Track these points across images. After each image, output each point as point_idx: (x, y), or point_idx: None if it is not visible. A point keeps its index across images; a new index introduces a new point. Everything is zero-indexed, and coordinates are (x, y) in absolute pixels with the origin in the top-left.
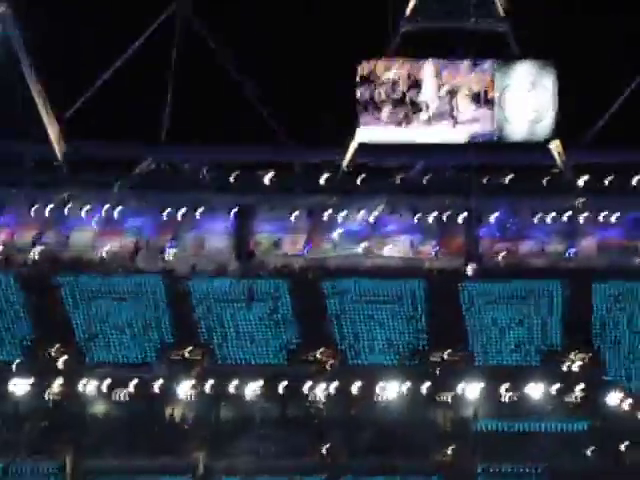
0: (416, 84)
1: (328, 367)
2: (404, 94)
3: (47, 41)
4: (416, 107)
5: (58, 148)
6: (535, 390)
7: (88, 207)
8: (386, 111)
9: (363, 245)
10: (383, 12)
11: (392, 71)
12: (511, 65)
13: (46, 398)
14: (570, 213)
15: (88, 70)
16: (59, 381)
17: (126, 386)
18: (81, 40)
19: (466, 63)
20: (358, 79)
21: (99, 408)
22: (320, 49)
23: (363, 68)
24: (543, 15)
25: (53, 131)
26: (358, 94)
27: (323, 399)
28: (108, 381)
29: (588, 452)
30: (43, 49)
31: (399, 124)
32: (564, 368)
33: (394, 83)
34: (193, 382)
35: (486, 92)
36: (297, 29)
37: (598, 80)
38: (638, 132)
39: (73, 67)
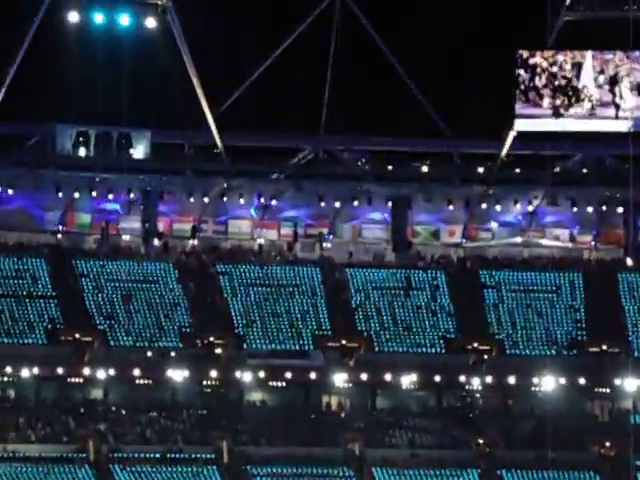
0: (578, 73)
1: (485, 357)
2: (566, 83)
3: (207, 32)
4: (577, 96)
5: (218, 138)
6: None
7: (246, 196)
8: (547, 99)
9: (521, 236)
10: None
11: (553, 60)
12: None
13: (204, 385)
14: None
15: (248, 60)
16: (217, 369)
17: (283, 374)
18: (240, 30)
19: (628, 53)
20: (519, 67)
21: (256, 396)
22: (480, 38)
23: (524, 56)
24: None
25: (212, 122)
26: (519, 82)
27: (480, 390)
28: (265, 369)
29: None
30: (203, 39)
31: (559, 114)
32: None
33: (554, 73)
34: (350, 371)
35: None
36: (458, 18)
37: None
38: None
39: (232, 57)
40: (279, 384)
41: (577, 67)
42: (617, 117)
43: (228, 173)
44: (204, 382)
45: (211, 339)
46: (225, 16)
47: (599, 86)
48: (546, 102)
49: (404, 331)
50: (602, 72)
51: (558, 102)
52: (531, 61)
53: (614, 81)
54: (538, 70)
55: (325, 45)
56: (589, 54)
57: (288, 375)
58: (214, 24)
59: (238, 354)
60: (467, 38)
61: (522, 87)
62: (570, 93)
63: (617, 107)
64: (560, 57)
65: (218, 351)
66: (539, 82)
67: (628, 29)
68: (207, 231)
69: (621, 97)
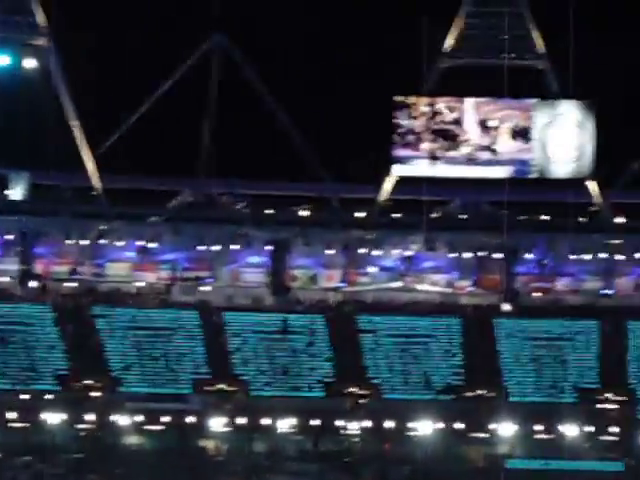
0: (456, 119)
1: (362, 402)
2: (444, 128)
3: (87, 74)
4: (455, 141)
5: (96, 181)
6: (570, 429)
7: (125, 239)
8: (426, 143)
9: (399, 280)
10: (421, 49)
11: (431, 105)
12: (552, 103)
13: (80, 429)
14: (607, 252)
15: (128, 103)
16: (93, 412)
17: (160, 418)
18: (120, 73)
19: (507, 100)
20: (397, 112)
21: (133, 440)
22: (358, 87)
23: (402, 102)
24: (579, 54)
25: (91, 164)
26: (397, 127)
27: (357, 434)
28: (142, 413)
29: None
30: (83, 81)
31: (437, 159)
32: (599, 407)
33: (433, 118)
34: (227, 415)
35: (527, 129)
36: (336, 64)
37: (635, 120)
38: None
39: (112, 100)
40: (156, 428)
41: (456, 112)
42: (496, 162)
43: (106, 215)
44: (80, 425)
45: (88, 382)
46: (106, 59)
47: (477, 131)
48: (424, 146)
49: (282, 375)
50: (481, 118)
51: (436, 146)
52: (409, 106)
53: (493, 128)
54: (416, 114)
55: (205, 89)
56: (468, 100)
57: (165, 419)
58: (95, 67)
59: (115, 397)
60: (346, 84)
61: (400, 131)
62: (448, 138)
63: (496, 153)
64: (439, 102)
65: (95, 394)
66: (418, 126)
67: (505, 76)
68: (85, 273)
69: (500, 143)
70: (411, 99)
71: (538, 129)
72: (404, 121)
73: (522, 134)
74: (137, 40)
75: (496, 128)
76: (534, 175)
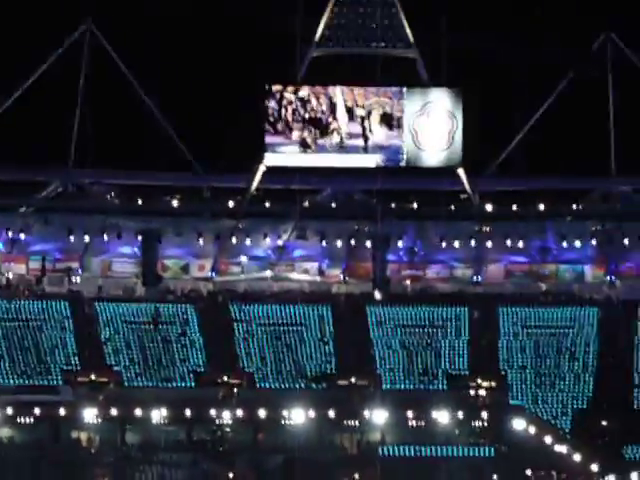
0: (327, 108)
1: (235, 391)
2: (312, 117)
3: None
4: (326, 129)
5: None
6: (441, 415)
7: None
8: (296, 132)
9: (271, 269)
10: (293, 38)
11: (302, 93)
12: (422, 91)
13: None
14: (476, 239)
15: None
16: None
17: (32, 410)
18: None
19: (377, 88)
20: (268, 101)
21: (3, 433)
22: (231, 71)
23: (272, 90)
24: (449, 43)
25: None
26: (267, 115)
27: (230, 423)
28: (13, 405)
29: (494, 478)
30: None
31: (307, 145)
32: (470, 393)
33: (304, 106)
34: (99, 406)
35: (397, 117)
36: (209, 53)
37: (503, 109)
38: (542, 160)
39: None
40: (28, 420)
41: (326, 100)
42: (366, 150)
43: None
44: None
45: None
46: None
47: (347, 119)
48: (295, 134)
49: (154, 365)
50: (350, 105)
51: (306, 134)
52: (279, 94)
53: (363, 116)
54: (287, 102)
55: (73, 78)
56: (339, 88)
57: (37, 411)
58: None
59: None
60: (219, 71)
61: (271, 119)
62: (319, 126)
63: (366, 141)
64: (309, 91)
65: None
66: (288, 115)
67: (376, 64)
68: None
69: (370, 130)
70: (281, 87)
71: (408, 117)
72: (275, 109)
73: (392, 122)
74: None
75: (366, 116)
76: (404, 163)
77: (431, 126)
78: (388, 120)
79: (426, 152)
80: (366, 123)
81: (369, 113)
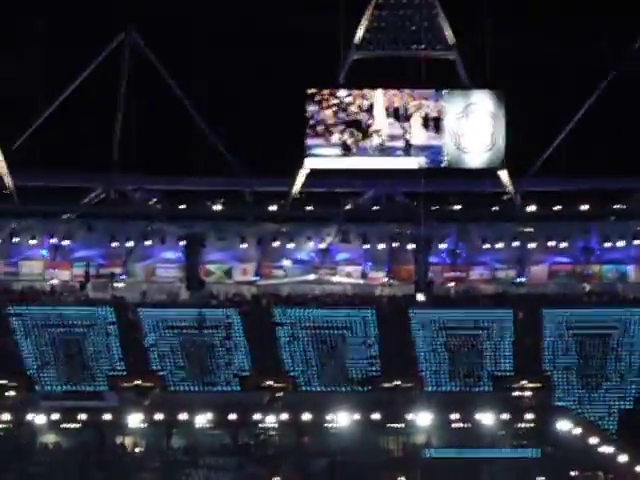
0: (368, 110)
1: (280, 395)
2: (353, 120)
3: None
4: (367, 133)
5: (7, 178)
6: (486, 417)
7: (38, 237)
8: (336, 135)
9: (314, 273)
10: (335, 41)
11: (342, 96)
12: (463, 93)
13: None
14: (519, 240)
15: (37, 99)
16: (8, 412)
17: (77, 416)
18: (29, 70)
19: (417, 90)
20: (308, 104)
21: (49, 438)
22: (272, 78)
23: (312, 93)
24: (491, 44)
25: (1, 161)
26: (308, 119)
27: (275, 427)
28: (59, 411)
29: (540, 479)
30: None
31: (348, 150)
32: (515, 395)
33: (344, 108)
34: (144, 411)
35: (438, 119)
36: (249, 58)
37: (545, 110)
38: (584, 160)
39: (22, 96)
40: (73, 426)
41: (366, 103)
42: (407, 153)
43: (18, 213)
44: None
45: (2, 382)
46: (14, 53)
47: (388, 122)
48: (335, 137)
49: (198, 370)
50: (391, 108)
51: (347, 137)
52: (320, 98)
53: (404, 118)
54: (327, 106)
55: (115, 85)
56: (378, 91)
57: (82, 417)
58: (3, 63)
59: (30, 396)
60: (258, 76)
61: (312, 123)
62: (360, 128)
63: (407, 143)
64: (349, 95)
65: (10, 393)
66: (329, 118)
67: (415, 67)
68: None
69: (411, 133)
70: (321, 90)
71: (449, 119)
72: (315, 113)
73: (433, 124)
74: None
75: (407, 118)
76: (446, 165)
77: (473, 128)
78: (428, 122)
79: (468, 154)
80: (406, 125)
81: (409, 115)
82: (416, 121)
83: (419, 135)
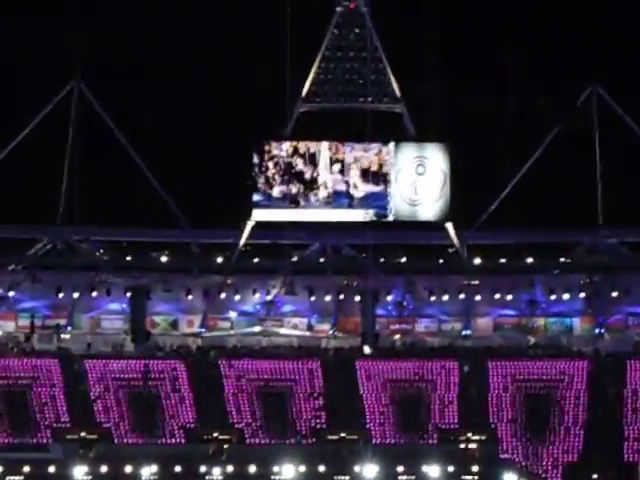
0: (312, 163)
1: (225, 447)
2: (300, 172)
3: None
4: (312, 186)
5: None
6: (432, 470)
7: None
8: (278, 187)
9: (260, 325)
10: (281, 95)
11: (288, 149)
12: (409, 146)
13: None
14: (465, 293)
15: None
16: None
17: (21, 468)
18: None
19: (363, 143)
20: (255, 156)
21: None
22: (217, 132)
23: (259, 146)
24: (436, 98)
25: None
26: (254, 171)
27: (221, 479)
28: (2, 463)
29: None
30: None
31: (294, 203)
32: (461, 447)
33: (290, 162)
34: (89, 463)
35: (383, 172)
36: (195, 109)
37: (490, 163)
38: (529, 214)
39: None
40: (17, 478)
41: (312, 156)
42: (352, 205)
43: None
44: None
45: None
46: None
47: (334, 174)
48: (282, 189)
49: (144, 422)
50: (336, 161)
51: (294, 190)
52: (265, 151)
53: (348, 171)
54: (271, 158)
55: (62, 137)
56: (324, 143)
57: (26, 469)
58: None
59: None
60: (205, 129)
61: (258, 175)
62: (306, 181)
63: (352, 196)
64: (295, 146)
65: None
66: (275, 170)
67: (365, 120)
68: None
69: (355, 186)
70: (268, 142)
71: (395, 172)
72: (261, 165)
73: (378, 177)
74: None
75: (352, 171)
76: (392, 218)
77: (420, 181)
78: (374, 175)
79: (415, 207)
80: (352, 178)
81: (355, 168)
82: (361, 174)
83: (364, 188)
